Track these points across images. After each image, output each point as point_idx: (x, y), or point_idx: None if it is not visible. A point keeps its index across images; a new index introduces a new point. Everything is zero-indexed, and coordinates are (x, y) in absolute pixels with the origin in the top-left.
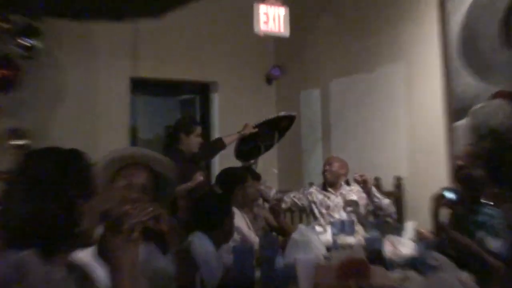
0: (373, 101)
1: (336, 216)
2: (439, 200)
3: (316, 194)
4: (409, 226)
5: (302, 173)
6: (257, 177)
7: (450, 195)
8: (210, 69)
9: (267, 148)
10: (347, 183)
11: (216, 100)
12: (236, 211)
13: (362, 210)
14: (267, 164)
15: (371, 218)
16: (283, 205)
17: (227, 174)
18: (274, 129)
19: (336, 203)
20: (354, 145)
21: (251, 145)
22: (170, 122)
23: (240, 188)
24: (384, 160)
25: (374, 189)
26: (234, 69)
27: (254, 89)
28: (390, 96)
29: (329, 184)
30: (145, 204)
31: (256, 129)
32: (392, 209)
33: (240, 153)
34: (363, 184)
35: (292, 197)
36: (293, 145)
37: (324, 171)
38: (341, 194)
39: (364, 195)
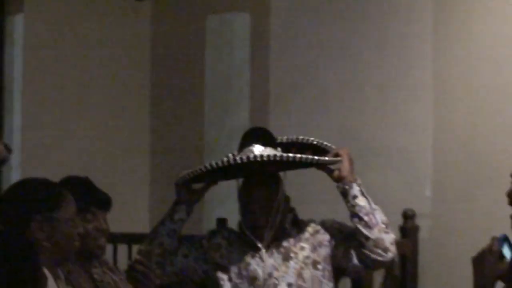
0: (368, 51)
1: None
2: (494, 261)
3: (226, 247)
4: None
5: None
6: (101, 202)
7: (508, 252)
8: None
9: None
10: (294, 221)
11: (20, 27)
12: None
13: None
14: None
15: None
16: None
17: (26, 192)
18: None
19: (268, 267)
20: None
21: None
22: None
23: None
24: (381, 178)
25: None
26: None
27: (105, 9)
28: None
29: (255, 224)
30: None
31: None
32: (385, 245)
33: None
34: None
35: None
36: (186, 137)
37: (244, 198)
38: (277, 248)
39: (326, 237)
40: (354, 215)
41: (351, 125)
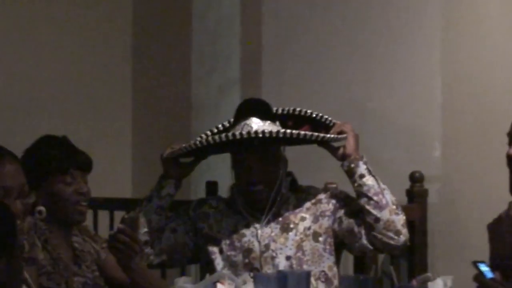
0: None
1: (267, 267)
2: None
3: (214, 217)
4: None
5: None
6: (81, 163)
7: None
8: None
9: None
10: (294, 187)
11: None
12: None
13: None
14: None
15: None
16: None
17: None
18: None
19: (265, 238)
20: (321, 101)
21: None
22: None
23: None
24: (386, 139)
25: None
26: None
27: None
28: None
29: (254, 197)
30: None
31: None
32: (397, 227)
33: None
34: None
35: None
36: (171, 95)
37: (237, 167)
38: (274, 217)
39: (329, 207)
40: (362, 195)
41: (354, 81)
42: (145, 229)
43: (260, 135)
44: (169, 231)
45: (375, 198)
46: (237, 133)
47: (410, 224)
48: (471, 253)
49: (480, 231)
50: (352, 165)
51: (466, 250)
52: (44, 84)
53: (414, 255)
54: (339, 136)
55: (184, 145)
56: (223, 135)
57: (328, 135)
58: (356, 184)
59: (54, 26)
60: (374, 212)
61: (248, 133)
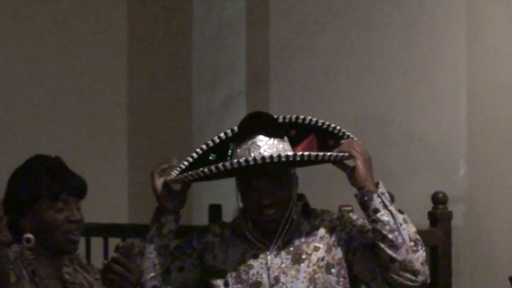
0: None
1: None
2: None
3: (219, 247)
4: None
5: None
6: (75, 188)
7: None
8: None
9: None
10: (306, 212)
11: None
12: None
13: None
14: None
15: None
16: (149, 283)
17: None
18: None
19: (274, 270)
20: (335, 114)
21: None
22: None
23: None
24: (407, 158)
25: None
26: None
27: None
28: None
29: (265, 221)
30: None
31: None
32: (414, 267)
33: None
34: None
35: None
36: (170, 110)
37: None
38: (285, 245)
39: (343, 236)
40: (376, 231)
41: (371, 92)
42: (152, 274)
43: (276, 160)
44: (176, 270)
45: (390, 236)
46: (250, 158)
47: (433, 249)
48: (500, 282)
49: (510, 257)
50: (366, 198)
51: (495, 277)
52: (35, 101)
53: (438, 283)
54: (344, 154)
55: (186, 174)
56: (234, 161)
57: (341, 154)
58: (370, 219)
59: (48, 45)
60: (389, 252)
61: (263, 158)
